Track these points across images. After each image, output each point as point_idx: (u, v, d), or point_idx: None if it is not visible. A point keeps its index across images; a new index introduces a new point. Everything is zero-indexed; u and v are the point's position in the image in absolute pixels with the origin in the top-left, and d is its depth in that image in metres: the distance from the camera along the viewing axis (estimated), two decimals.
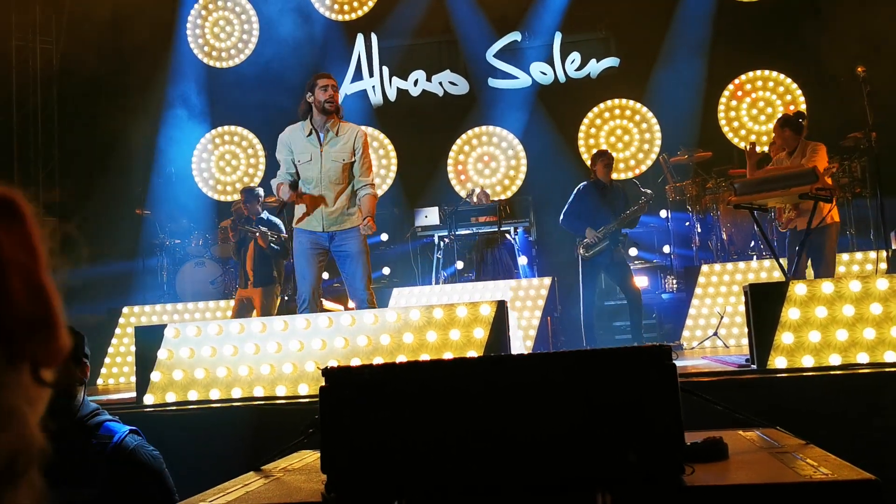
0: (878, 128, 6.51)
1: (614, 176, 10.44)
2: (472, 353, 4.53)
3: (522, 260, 9.29)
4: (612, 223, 7.47)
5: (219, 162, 11.86)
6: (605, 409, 1.96)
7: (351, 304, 9.32)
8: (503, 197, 10.81)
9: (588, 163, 10.98)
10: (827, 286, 4.41)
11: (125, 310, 8.85)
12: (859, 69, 6.33)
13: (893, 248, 8.00)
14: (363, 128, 5.64)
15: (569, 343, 8.91)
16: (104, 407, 4.77)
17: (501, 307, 4.60)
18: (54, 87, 11.45)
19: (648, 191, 7.84)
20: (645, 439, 1.90)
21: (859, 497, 1.78)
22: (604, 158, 7.79)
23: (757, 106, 10.78)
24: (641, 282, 9.47)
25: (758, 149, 7.07)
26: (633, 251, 9.76)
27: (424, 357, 4.56)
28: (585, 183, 7.98)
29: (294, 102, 10.96)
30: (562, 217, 7.85)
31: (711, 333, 7.68)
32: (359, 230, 5.42)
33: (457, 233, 8.93)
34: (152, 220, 10.10)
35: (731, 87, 10.87)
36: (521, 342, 7.52)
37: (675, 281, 9.23)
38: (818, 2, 10.07)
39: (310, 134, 5.44)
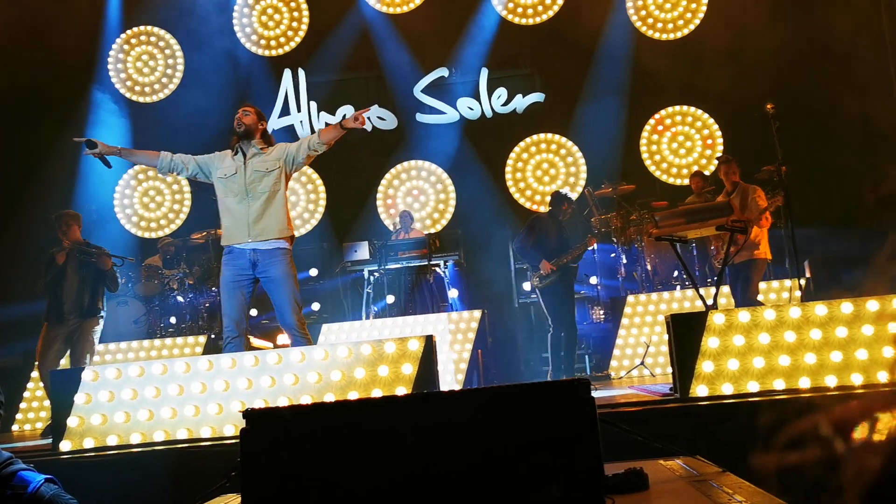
0: (788, 161, 6.81)
1: (542, 209, 10.76)
2: (402, 390, 4.52)
3: (453, 293, 9.32)
4: (564, 256, 7.91)
5: (142, 198, 11.61)
6: (527, 444, 1.98)
7: (281, 339, 9.22)
8: (433, 231, 10.87)
9: (516, 196, 11.21)
10: (744, 315, 4.56)
11: None
12: (768, 106, 6.63)
13: (807, 276, 8.34)
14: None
15: (500, 376, 8.95)
16: (18, 455, 4.56)
17: (429, 342, 4.61)
18: None
19: (594, 230, 8.57)
20: (565, 472, 1.92)
21: None
22: (573, 202, 8.40)
23: (677, 140, 11.16)
24: None
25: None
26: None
27: (353, 394, 4.52)
28: (540, 216, 8.34)
29: (220, 138, 10.90)
30: (518, 246, 8.20)
31: (638, 363, 7.82)
32: (281, 253, 5.40)
33: (386, 267, 8.92)
34: None
35: (651, 121, 11.22)
36: (451, 376, 7.52)
37: (601, 311, 9.38)
38: (731, 40, 10.52)
39: (236, 153, 5.55)
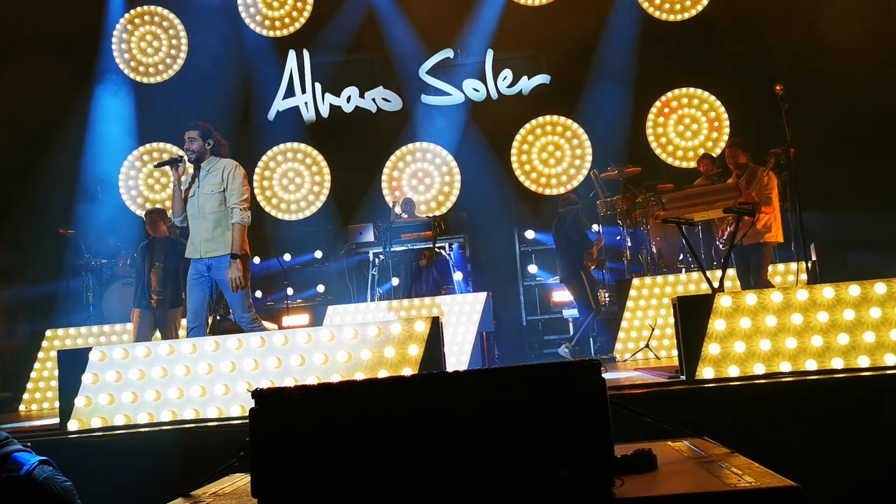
0: (796, 144, 6.77)
1: (547, 192, 10.85)
2: (408, 371, 4.52)
3: (457, 275, 9.31)
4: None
5: (147, 179, 11.59)
6: (537, 425, 1.98)
7: (286, 321, 9.24)
8: (438, 213, 10.85)
9: (521, 179, 11.18)
10: (750, 298, 4.55)
11: (48, 333, 8.53)
12: (777, 87, 6.58)
13: (813, 259, 8.31)
14: (233, 161, 5.95)
15: (504, 358, 8.97)
16: (25, 435, 4.58)
17: (436, 324, 4.60)
18: None
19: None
20: (575, 453, 1.92)
21: None
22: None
23: (683, 122, 11.09)
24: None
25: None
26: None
27: (359, 375, 4.53)
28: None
29: (224, 119, 10.88)
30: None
31: (643, 346, 7.82)
32: (231, 258, 5.71)
33: (392, 249, 8.91)
34: (76, 240, 9.78)
35: (658, 104, 11.15)
36: (456, 358, 7.54)
37: (607, 294, 9.38)
38: (739, 21, 10.43)
39: (195, 171, 5.91)
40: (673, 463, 2.29)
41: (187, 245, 5.91)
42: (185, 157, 5.84)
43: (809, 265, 7.27)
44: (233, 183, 5.76)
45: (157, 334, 7.83)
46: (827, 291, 4.51)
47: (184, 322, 8.06)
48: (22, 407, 8.22)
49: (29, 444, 2.86)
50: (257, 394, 2.12)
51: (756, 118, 9.23)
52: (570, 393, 1.98)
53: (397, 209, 9.71)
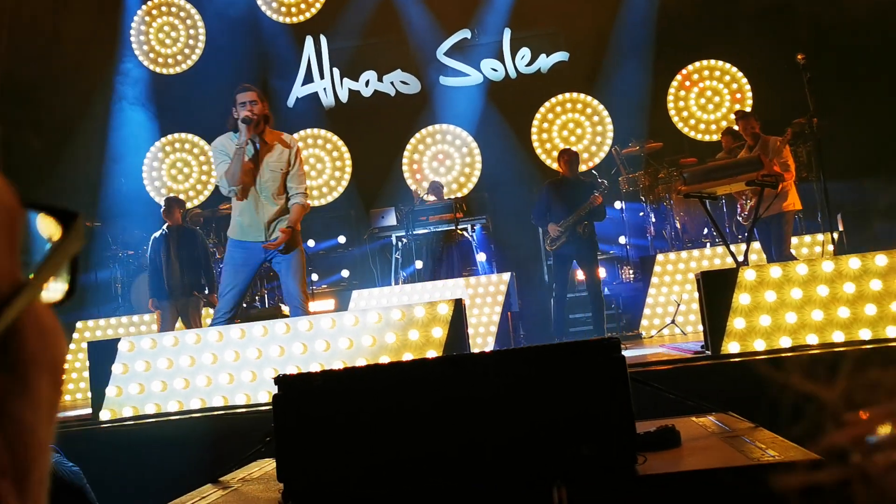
0: (820, 113, 6.66)
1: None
2: (432, 353, 4.54)
3: (481, 257, 9.31)
4: (570, 217, 7.65)
5: (170, 170, 11.69)
6: (558, 404, 1.98)
7: (312, 307, 9.28)
8: (459, 195, 10.84)
9: (542, 157, 11.13)
10: (775, 270, 4.50)
11: (79, 324, 8.67)
12: (799, 56, 6.46)
13: (840, 229, 8.21)
14: (295, 137, 5.44)
15: (529, 338, 8.97)
16: (59, 425, 4.64)
17: (459, 306, 4.61)
18: None
19: (603, 181, 8.07)
20: (597, 431, 1.92)
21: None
22: (564, 155, 8.02)
23: (705, 95, 10.96)
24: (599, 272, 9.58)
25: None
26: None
27: (384, 359, 4.55)
28: (549, 181, 8.25)
29: None
30: (532, 215, 8.16)
31: (669, 321, 7.78)
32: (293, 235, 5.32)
33: (414, 232, 8.92)
34: (103, 232, 9.90)
35: (678, 77, 11.02)
36: (482, 339, 7.56)
37: (631, 271, 9.34)
38: None
39: (252, 143, 5.19)
40: (697, 439, 2.29)
41: (239, 225, 5.22)
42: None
43: (836, 236, 7.18)
44: (299, 167, 5.22)
45: (179, 324, 7.91)
46: (853, 262, 4.45)
47: (208, 310, 8.15)
48: None
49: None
50: (279, 380, 2.14)
51: (778, 88, 9.09)
52: (590, 371, 1.98)
53: (420, 191, 9.71)
